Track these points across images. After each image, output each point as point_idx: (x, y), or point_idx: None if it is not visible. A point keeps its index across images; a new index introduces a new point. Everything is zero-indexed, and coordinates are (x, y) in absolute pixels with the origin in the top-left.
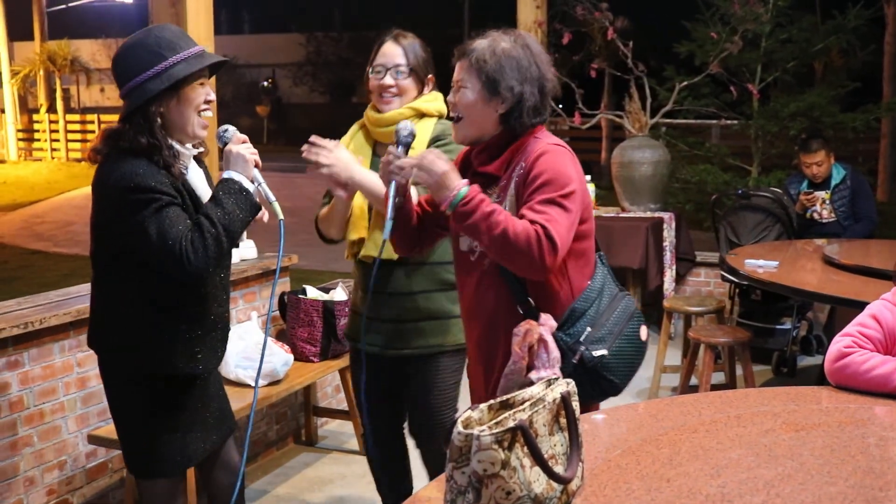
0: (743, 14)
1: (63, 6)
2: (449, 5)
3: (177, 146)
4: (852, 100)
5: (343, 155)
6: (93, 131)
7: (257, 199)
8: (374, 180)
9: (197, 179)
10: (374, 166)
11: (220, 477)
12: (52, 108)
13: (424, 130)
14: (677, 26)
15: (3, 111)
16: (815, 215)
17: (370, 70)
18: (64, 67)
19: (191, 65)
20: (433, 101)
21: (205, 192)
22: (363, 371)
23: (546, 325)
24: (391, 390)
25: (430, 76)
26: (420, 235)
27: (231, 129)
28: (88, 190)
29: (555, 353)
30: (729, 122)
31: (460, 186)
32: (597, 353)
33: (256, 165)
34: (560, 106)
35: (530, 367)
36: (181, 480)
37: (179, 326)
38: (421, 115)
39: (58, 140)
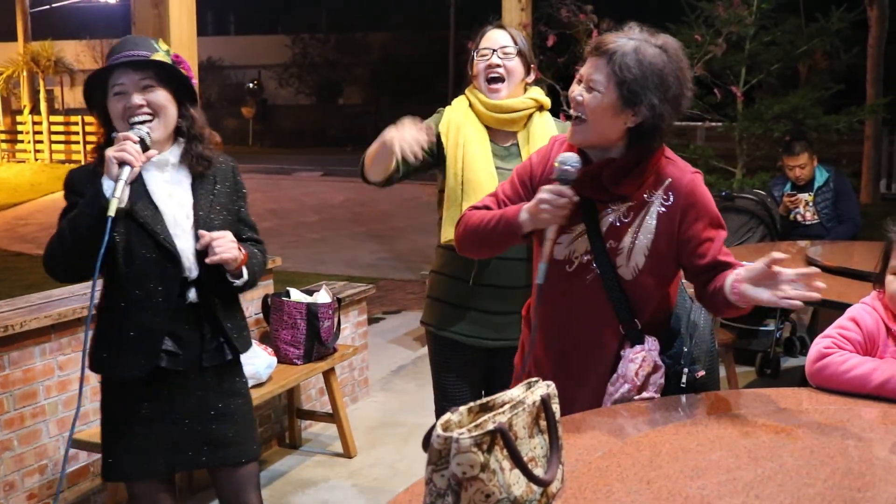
0: (727, 17)
1: (47, 7)
2: (436, 7)
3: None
4: (836, 102)
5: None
6: (76, 133)
7: (110, 200)
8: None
9: (159, 185)
10: (494, 154)
11: None
12: (35, 110)
13: (547, 126)
14: (662, 28)
15: None
16: (799, 217)
17: (475, 55)
18: (47, 68)
19: (94, 76)
20: (542, 93)
21: (162, 196)
22: (451, 359)
23: (655, 349)
24: (477, 381)
25: (533, 64)
26: None
27: (136, 129)
28: None
29: (662, 380)
30: (713, 124)
31: None
32: (699, 375)
33: (125, 163)
34: None
35: (640, 390)
36: (153, 486)
37: (100, 327)
38: (540, 107)
39: (41, 142)
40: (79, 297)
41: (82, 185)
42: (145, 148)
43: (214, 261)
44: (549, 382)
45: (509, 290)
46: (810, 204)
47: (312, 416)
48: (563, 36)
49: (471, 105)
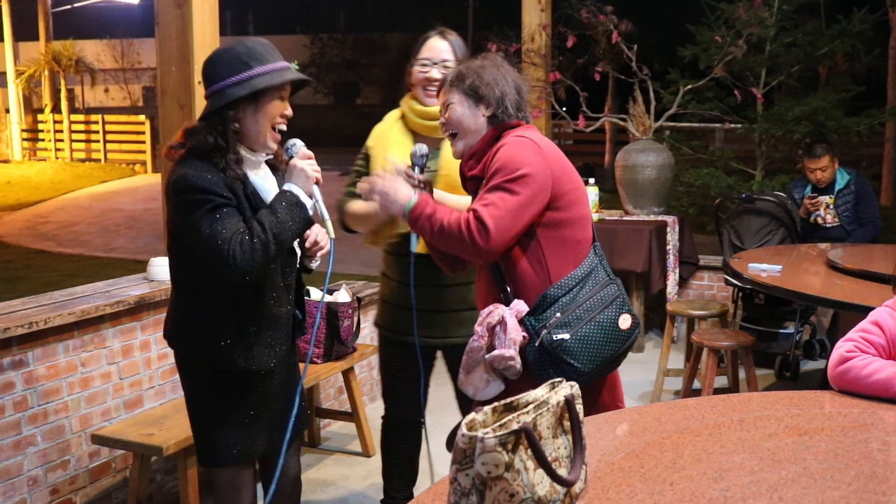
0: (747, 18)
1: (68, 6)
2: (454, 9)
3: (244, 153)
4: (856, 104)
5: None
6: (97, 132)
7: (311, 215)
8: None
9: (265, 184)
10: None
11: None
12: (56, 109)
13: None
14: (682, 30)
15: (7, 111)
16: (819, 219)
17: (414, 63)
18: (69, 68)
19: (273, 77)
20: None
21: (268, 195)
22: (398, 357)
23: (513, 308)
24: (422, 378)
25: None
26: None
27: (298, 143)
28: (92, 190)
29: (513, 334)
30: (733, 125)
31: (408, 198)
32: (557, 337)
33: (317, 182)
34: (564, 109)
35: (492, 348)
36: (247, 471)
37: (236, 323)
38: None
39: (62, 140)
40: (101, 294)
41: (216, 185)
42: None
43: (323, 253)
44: (573, 383)
45: (439, 288)
46: (831, 206)
47: (332, 414)
48: (583, 37)
49: (403, 115)
